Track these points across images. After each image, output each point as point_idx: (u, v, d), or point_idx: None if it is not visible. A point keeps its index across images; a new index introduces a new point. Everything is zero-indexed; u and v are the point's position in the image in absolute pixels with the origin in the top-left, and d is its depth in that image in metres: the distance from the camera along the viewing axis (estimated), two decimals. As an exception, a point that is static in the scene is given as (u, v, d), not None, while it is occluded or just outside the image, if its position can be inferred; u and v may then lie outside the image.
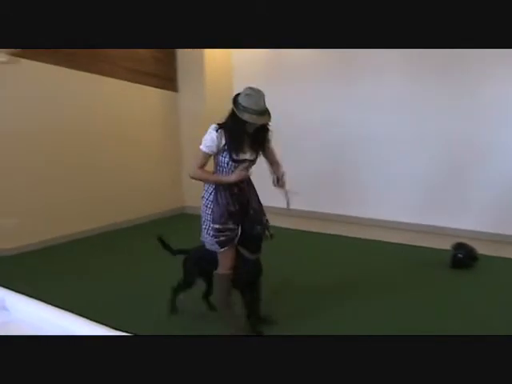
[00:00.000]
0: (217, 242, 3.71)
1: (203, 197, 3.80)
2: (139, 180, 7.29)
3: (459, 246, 5.32)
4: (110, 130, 6.86)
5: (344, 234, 6.54)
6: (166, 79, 7.57)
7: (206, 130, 3.65)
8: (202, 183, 3.79)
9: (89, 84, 6.54)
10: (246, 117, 3.50)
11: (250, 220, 3.76)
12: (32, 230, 6.00)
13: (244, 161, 3.69)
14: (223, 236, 3.70)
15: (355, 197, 7.13)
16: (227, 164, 3.68)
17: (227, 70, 7.72)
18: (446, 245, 5.47)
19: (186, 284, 4.12)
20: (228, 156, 3.64)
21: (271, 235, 3.82)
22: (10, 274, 4.68)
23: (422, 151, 6.52)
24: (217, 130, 3.59)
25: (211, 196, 3.74)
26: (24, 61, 5.79)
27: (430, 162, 6.49)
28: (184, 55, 7.60)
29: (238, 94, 3.61)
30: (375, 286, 4.73)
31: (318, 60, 7.02)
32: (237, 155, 3.65)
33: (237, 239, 3.74)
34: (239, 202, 3.75)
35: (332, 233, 6.64)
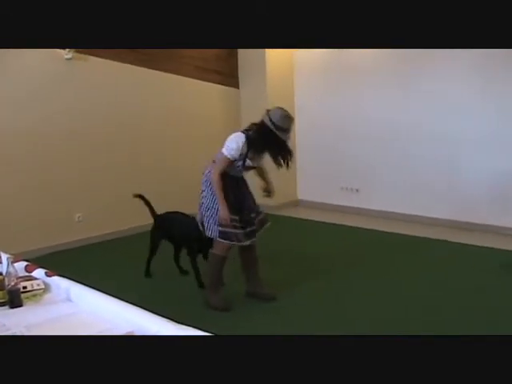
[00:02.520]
0: (220, 232, 3.95)
1: (207, 181, 4.08)
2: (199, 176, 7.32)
3: None
4: (175, 127, 6.92)
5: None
6: (228, 76, 7.59)
7: None
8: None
9: (154, 81, 6.63)
10: (286, 138, 3.82)
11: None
12: (95, 224, 6.16)
13: (252, 167, 4.08)
14: (228, 227, 3.93)
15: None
16: (238, 167, 3.97)
17: (289, 66, 7.63)
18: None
19: (150, 248, 4.74)
20: (241, 162, 3.93)
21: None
22: (74, 265, 4.78)
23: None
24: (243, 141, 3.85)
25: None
26: (91, 58, 5.91)
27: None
28: (245, 52, 7.58)
29: (269, 111, 3.84)
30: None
31: (378, 59, 6.81)
32: (250, 164, 3.97)
33: (236, 244, 4.03)
34: (235, 194, 4.04)
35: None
